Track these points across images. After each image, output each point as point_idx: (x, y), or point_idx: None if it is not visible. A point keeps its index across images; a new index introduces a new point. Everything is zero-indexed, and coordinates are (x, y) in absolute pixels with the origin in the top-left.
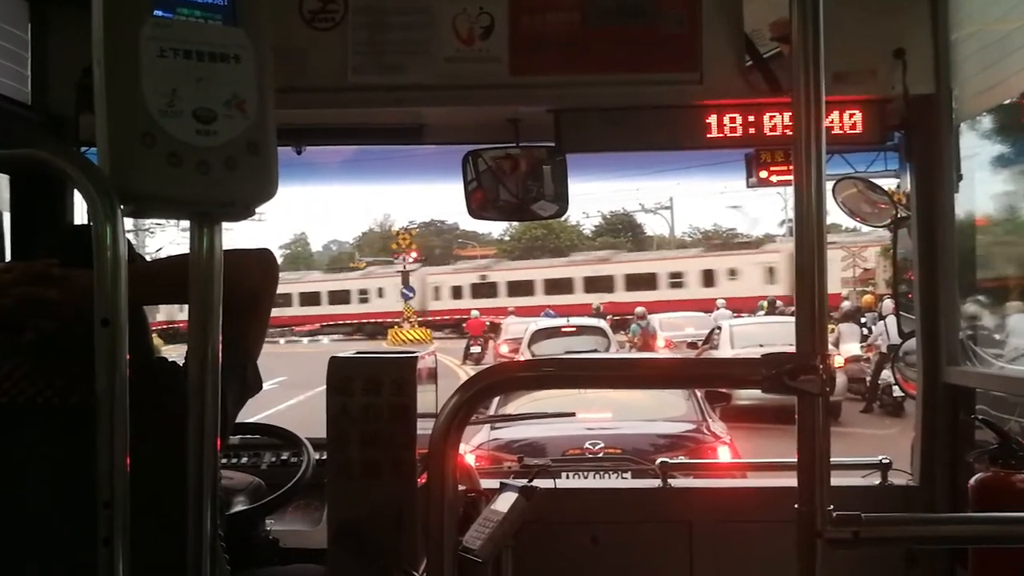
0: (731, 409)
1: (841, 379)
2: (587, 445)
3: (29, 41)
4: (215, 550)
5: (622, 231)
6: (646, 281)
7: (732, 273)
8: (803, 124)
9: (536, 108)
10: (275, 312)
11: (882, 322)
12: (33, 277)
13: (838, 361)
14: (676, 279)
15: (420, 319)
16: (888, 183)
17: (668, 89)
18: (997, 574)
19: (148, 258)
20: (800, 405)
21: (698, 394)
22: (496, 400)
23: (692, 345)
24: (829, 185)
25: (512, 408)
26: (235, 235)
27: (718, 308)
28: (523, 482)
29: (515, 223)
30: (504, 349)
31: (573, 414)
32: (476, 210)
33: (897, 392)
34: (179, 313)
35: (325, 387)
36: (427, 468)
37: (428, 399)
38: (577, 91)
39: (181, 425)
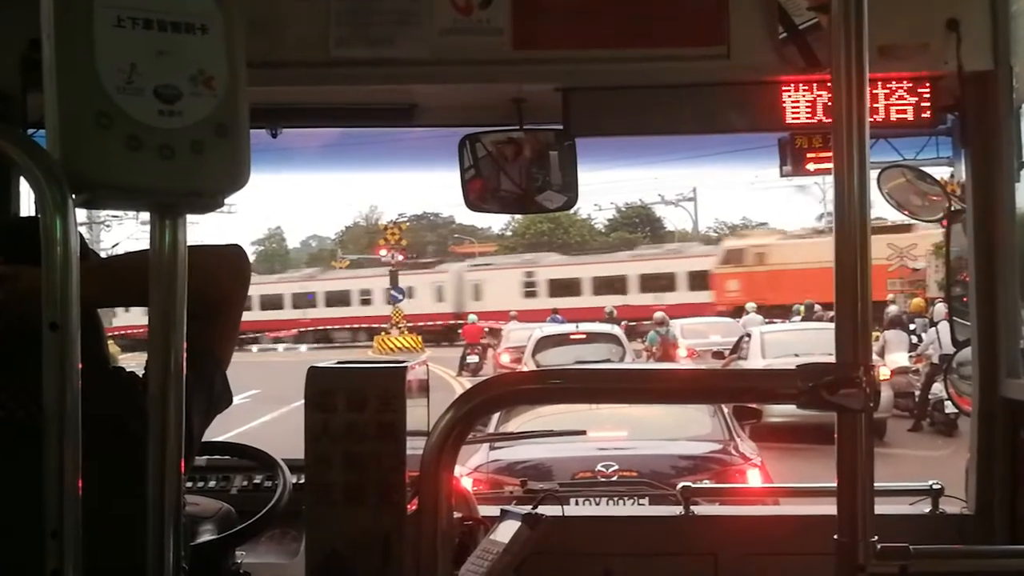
0: (762, 427)
1: (886, 393)
2: (599, 467)
3: None
4: None
5: (639, 225)
6: (341, 299)
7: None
8: (844, 105)
9: (542, 86)
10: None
11: (933, 329)
12: None
13: (883, 373)
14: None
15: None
16: (940, 172)
17: (691, 66)
18: None
19: (103, 255)
20: (840, 423)
21: (725, 410)
22: (496, 416)
23: (718, 355)
24: (873, 174)
25: (514, 425)
26: (201, 229)
27: (747, 313)
28: (527, 509)
29: (518, 216)
30: (505, 359)
31: (584, 432)
32: (474, 201)
33: (950, 408)
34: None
35: (304, 402)
36: (418, 493)
37: (419, 415)
38: (588, 67)
39: (140, 444)
